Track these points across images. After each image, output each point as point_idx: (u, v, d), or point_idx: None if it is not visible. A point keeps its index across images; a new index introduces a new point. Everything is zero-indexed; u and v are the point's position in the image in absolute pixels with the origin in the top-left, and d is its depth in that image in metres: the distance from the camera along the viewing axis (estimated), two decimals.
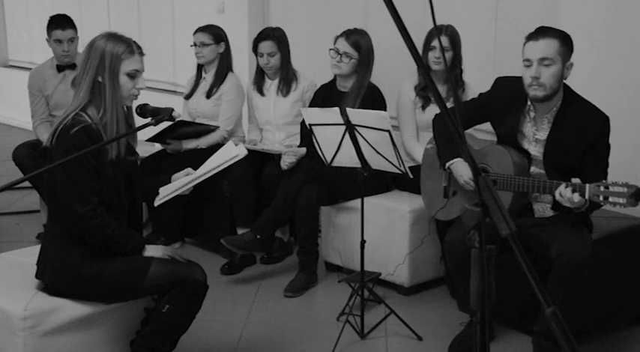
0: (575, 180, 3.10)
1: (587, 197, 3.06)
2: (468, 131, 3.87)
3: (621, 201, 2.98)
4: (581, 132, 3.29)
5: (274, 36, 4.76)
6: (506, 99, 3.44)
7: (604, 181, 3.05)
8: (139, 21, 7.37)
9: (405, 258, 4.17)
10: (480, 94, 3.66)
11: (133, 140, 3.17)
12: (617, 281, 3.71)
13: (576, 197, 3.07)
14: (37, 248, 3.11)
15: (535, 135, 3.42)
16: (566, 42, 3.29)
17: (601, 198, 3.03)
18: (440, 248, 4.21)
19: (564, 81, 3.35)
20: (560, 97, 3.35)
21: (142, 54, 3.03)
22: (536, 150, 3.42)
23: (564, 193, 3.10)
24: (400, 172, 3.67)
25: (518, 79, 3.38)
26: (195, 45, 4.94)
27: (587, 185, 3.06)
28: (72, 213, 2.89)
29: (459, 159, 3.55)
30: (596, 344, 3.65)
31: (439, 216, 3.78)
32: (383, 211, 4.27)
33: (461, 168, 3.54)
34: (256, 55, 4.81)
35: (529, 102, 3.40)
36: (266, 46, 4.74)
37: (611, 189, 3.00)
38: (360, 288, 3.77)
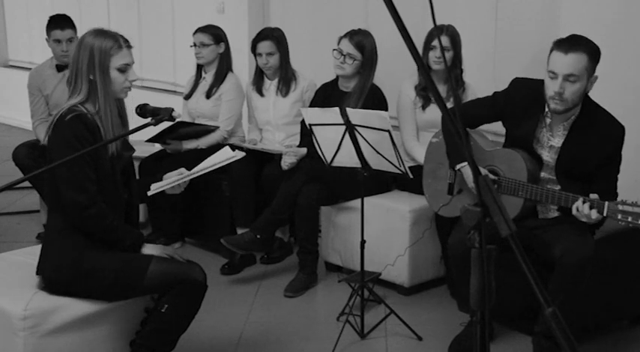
0: (593, 196, 3.09)
1: (605, 214, 3.04)
2: (480, 131, 3.82)
3: None
4: (598, 143, 3.27)
5: (273, 36, 4.76)
6: (524, 102, 3.40)
7: (623, 200, 3.03)
8: (139, 21, 7.37)
9: (405, 251, 4.17)
10: (495, 93, 3.58)
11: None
12: (618, 281, 3.71)
13: (594, 214, 3.05)
14: (37, 248, 3.11)
15: (550, 141, 3.39)
16: (594, 57, 3.21)
17: (619, 217, 3.01)
18: (440, 248, 4.21)
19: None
20: (578, 106, 3.31)
21: (130, 47, 3.04)
22: (549, 156, 3.40)
23: (582, 209, 3.08)
24: (400, 172, 3.67)
25: (537, 82, 3.34)
26: (195, 45, 4.94)
27: (606, 203, 3.04)
28: (70, 201, 2.90)
29: None
30: (596, 344, 3.65)
31: (442, 212, 3.77)
32: (383, 211, 4.27)
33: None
34: (255, 55, 4.81)
35: (547, 109, 3.35)
36: (265, 46, 4.74)
37: (630, 209, 2.98)
38: (360, 288, 3.77)
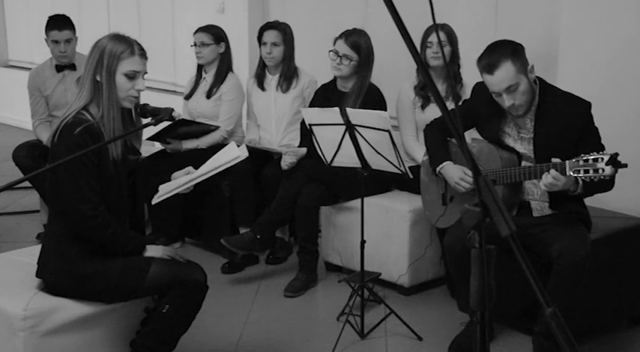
0: (556, 160, 3.11)
1: (567, 173, 3.07)
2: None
3: (600, 171, 3.00)
4: (566, 124, 3.31)
5: (281, 27, 4.77)
6: (486, 104, 3.44)
7: (582, 155, 3.05)
8: (139, 21, 7.37)
9: (407, 269, 4.18)
10: (464, 101, 3.69)
11: (135, 140, 3.16)
12: (617, 281, 3.71)
13: (558, 176, 3.07)
14: (37, 248, 3.11)
15: (519, 133, 3.44)
16: (517, 55, 3.25)
17: (582, 173, 3.04)
18: (440, 248, 4.21)
19: (537, 78, 3.35)
20: (536, 94, 3.36)
21: (143, 56, 3.01)
22: (522, 148, 3.44)
23: (549, 174, 3.10)
24: (400, 172, 3.67)
25: None
26: (195, 45, 4.94)
27: (567, 161, 3.08)
28: (73, 212, 2.89)
29: (448, 162, 3.58)
30: (596, 344, 3.64)
31: (440, 224, 3.80)
32: (383, 211, 4.27)
33: (451, 171, 3.56)
34: (260, 44, 4.81)
35: None
36: (271, 35, 4.75)
37: (590, 162, 3.03)
38: (360, 288, 3.77)
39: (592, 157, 3.02)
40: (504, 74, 3.23)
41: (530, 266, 1.53)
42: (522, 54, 3.29)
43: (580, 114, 3.31)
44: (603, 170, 2.99)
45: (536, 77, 3.36)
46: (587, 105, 3.32)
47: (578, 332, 3.54)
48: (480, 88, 3.51)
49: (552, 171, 3.10)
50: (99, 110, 2.93)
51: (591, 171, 3.02)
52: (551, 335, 3.36)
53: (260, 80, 4.90)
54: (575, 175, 3.07)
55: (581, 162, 3.04)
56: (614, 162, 2.99)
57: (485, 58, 3.28)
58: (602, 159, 3.00)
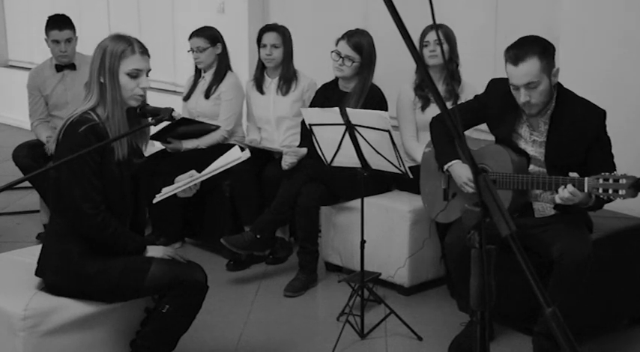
0: (574, 175, 3.10)
1: (586, 190, 3.05)
2: (465, 132, 3.85)
3: (620, 192, 2.98)
4: (580, 131, 3.29)
5: (280, 29, 4.77)
6: (501, 101, 3.43)
7: (602, 174, 3.03)
8: (139, 21, 7.37)
9: (405, 262, 4.18)
10: (476, 96, 3.67)
11: (141, 142, 3.15)
12: (617, 281, 3.71)
13: (575, 192, 3.05)
14: (37, 248, 3.11)
15: (532, 136, 3.42)
16: (546, 54, 3.22)
17: (600, 191, 3.02)
18: (440, 248, 4.21)
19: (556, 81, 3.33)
20: (553, 98, 3.34)
21: (144, 53, 3.01)
22: (533, 150, 3.42)
23: (567, 189, 3.08)
24: (400, 172, 3.67)
25: None
26: (192, 50, 4.93)
27: (586, 178, 3.06)
28: (75, 211, 2.89)
29: (457, 160, 3.56)
30: (596, 344, 3.64)
31: (439, 218, 3.79)
32: (383, 211, 4.27)
33: (459, 170, 3.54)
34: (259, 47, 4.80)
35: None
36: (270, 37, 4.74)
37: (610, 181, 3.00)
38: (360, 288, 3.77)
39: (613, 178, 2.99)
40: (528, 69, 3.19)
41: (530, 266, 1.53)
42: (551, 54, 3.25)
43: (595, 123, 3.28)
44: (624, 191, 2.96)
45: (557, 82, 3.34)
46: (603, 113, 3.30)
47: (578, 332, 3.54)
48: (495, 84, 3.49)
49: (569, 187, 3.07)
50: (105, 111, 2.94)
51: (610, 191, 2.99)
52: (551, 335, 3.36)
53: (259, 83, 4.90)
54: (593, 193, 3.05)
55: (600, 181, 3.01)
56: (637, 186, 2.96)
57: (514, 48, 3.24)
58: (625, 181, 2.96)
